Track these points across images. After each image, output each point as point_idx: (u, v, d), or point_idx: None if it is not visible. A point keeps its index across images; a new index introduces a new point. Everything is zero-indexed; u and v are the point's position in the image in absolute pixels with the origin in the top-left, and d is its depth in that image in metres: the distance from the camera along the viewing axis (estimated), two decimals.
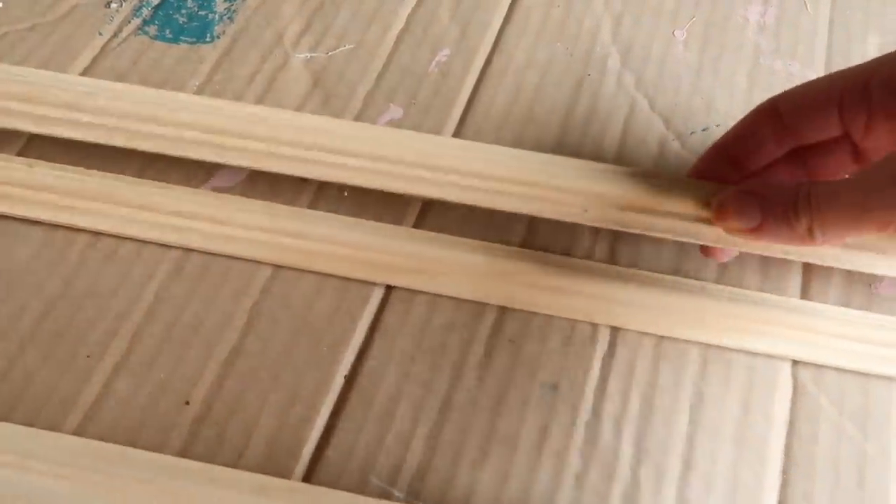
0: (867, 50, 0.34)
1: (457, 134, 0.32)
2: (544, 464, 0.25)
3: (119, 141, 0.28)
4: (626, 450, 0.25)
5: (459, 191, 0.27)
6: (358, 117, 0.32)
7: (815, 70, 0.34)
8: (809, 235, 0.23)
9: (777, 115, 0.25)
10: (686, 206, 0.26)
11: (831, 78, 0.25)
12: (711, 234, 0.26)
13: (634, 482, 0.25)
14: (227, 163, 0.28)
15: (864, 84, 0.24)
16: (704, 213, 0.26)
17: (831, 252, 0.26)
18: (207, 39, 0.34)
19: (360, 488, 0.24)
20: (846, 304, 0.28)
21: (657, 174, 0.27)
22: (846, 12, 0.35)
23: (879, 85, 0.23)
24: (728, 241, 0.26)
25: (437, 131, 0.32)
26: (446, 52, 0.34)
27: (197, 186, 0.30)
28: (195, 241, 0.28)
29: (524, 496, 0.24)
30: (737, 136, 0.27)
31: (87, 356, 0.26)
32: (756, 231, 0.24)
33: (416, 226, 0.29)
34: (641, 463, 0.25)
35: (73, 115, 0.29)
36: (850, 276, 0.28)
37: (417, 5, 0.35)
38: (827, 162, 0.26)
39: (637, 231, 0.26)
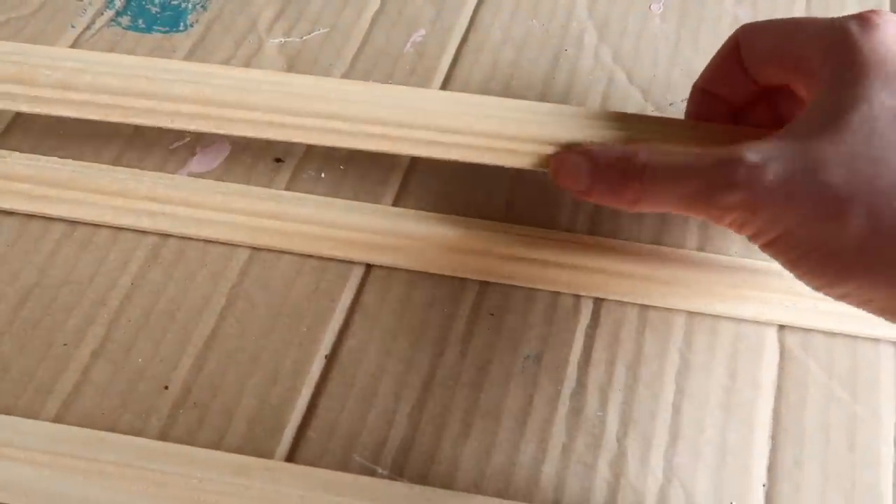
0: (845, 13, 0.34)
1: None
2: (529, 436, 0.25)
3: (95, 114, 0.28)
4: (613, 419, 0.25)
5: (442, 148, 0.27)
6: None
7: None
8: (634, 206, 0.23)
9: (739, 56, 0.25)
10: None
11: (787, 28, 0.24)
12: None
13: (621, 451, 0.24)
14: (209, 131, 0.27)
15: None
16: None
17: None
18: (181, 28, 0.34)
19: (344, 467, 0.24)
20: None
21: (631, 116, 0.27)
22: None
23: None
24: None
25: None
26: (422, 32, 0.34)
27: (173, 173, 0.30)
28: (171, 226, 0.28)
29: (509, 468, 0.24)
30: (711, 76, 0.27)
31: (64, 344, 0.26)
32: (585, 193, 0.24)
33: (394, 204, 0.29)
34: (628, 432, 0.25)
35: (50, 93, 0.28)
36: None
37: None
38: (791, 105, 0.26)
39: None
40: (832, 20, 0.22)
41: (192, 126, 0.27)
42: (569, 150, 0.25)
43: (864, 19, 0.22)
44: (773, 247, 0.21)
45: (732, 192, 0.21)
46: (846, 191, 0.19)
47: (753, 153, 0.21)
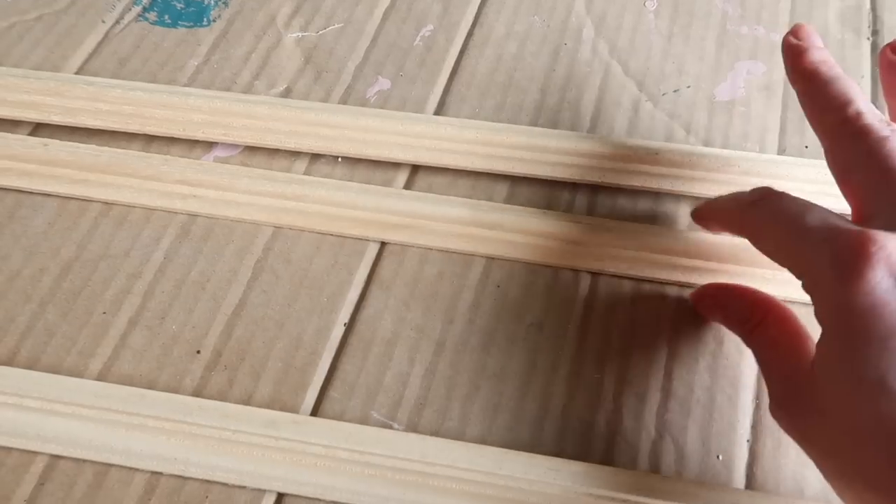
0: (828, 15, 0.36)
1: (442, 101, 0.34)
2: (532, 395, 0.27)
3: (131, 126, 0.31)
4: (609, 380, 0.27)
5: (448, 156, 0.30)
6: (348, 89, 0.34)
7: (779, 33, 0.36)
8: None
9: None
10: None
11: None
12: None
13: (617, 409, 0.27)
14: (228, 141, 0.31)
15: None
16: None
17: None
18: (204, 23, 0.36)
19: (363, 422, 0.26)
20: None
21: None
22: None
23: None
24: None
25: (424, 100, 0.33)
26: (430, 27, 0.36)
27: (198, 158, 0.32)
28: (200, 207, 0.30)
29: (514, 425, 0.26)
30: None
31: (104, 312, 0.28)
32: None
33: (405, 187, 0.31)
34: (623, 392, 0.27)
35: (83, 105, 0.32)
36: None
37: None
38: None
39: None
40: (820, 255, 0.21)
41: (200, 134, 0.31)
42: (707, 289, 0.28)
43: (844, 269, 0.20)
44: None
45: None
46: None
47: None
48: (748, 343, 0.25)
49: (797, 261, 0.22)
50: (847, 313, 0.20)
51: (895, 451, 0.18)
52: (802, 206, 0.22)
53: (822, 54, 0.25)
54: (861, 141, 0.22)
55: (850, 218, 0.23)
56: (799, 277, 0.22)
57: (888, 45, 0.26)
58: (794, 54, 0.25)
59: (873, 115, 0.23)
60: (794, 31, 0.26)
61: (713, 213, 0.28)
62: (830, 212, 0.22)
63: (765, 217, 0.23)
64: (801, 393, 0.22)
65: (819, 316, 0.21)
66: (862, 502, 0.20)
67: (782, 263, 0.23)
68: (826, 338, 0.21)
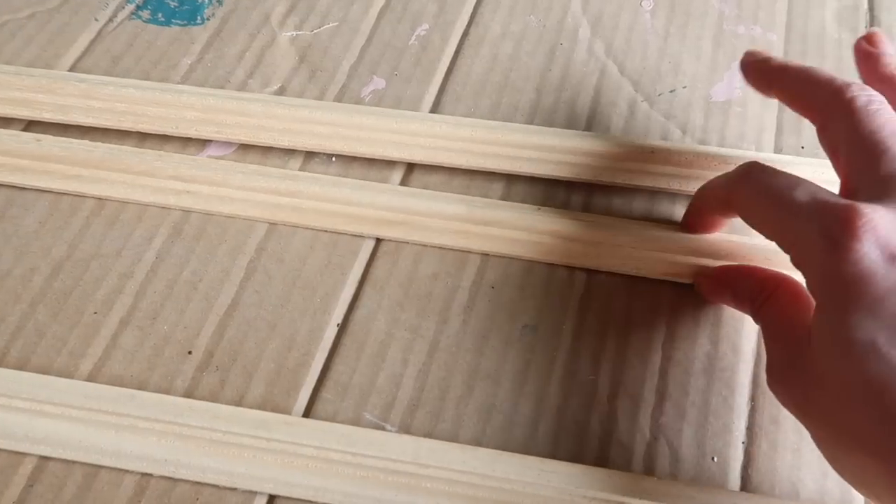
0: (825, 15, 0.36)
1: (437, 101, 0.33)
2: (526, 397, 0.27)
3: (123, 124, 0.31)
4: (604, 382, 0.27)
5: (443, 154, 0.29)
6: (343, 88, 0.34)
7: (776, 33, 0.35)
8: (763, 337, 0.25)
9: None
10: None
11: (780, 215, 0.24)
12: None
13: (611, 411, 0.26)
14: (222, 139, 0.31)
15: None
16: None
17: None
18: (198, 21, 0.36)
19: (355, 424, 0.26)
20: None
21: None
22: None
23: None
24: None
25: (419, 99, 0.33)
26: (425, 26, 0.36)
27: (193, 155, 0.32)
28: (194, 203, 0.30)
29: (508, 426, 0.26)
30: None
31: (95, 312, 0.28)
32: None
33: (401, 184, 0.31)
34: (618, 394, 0.27)
35: (75, 103, 0.32)
36: None
37: None
38: None
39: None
40: (811, 228, 0.21)
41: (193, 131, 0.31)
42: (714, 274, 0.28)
43: (833, 240, 0.21)
44: None
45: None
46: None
47: None
48: (757, 319, 0.25)
49: (786, 235, 0.23)
50: (837, 283, 0.21)
51: (884, 411, 0.19)
52: (789, 181, 0.23)
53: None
54: (849, 116, 0.23)
55: (837, 192, 0.24)
56: (787, 251, 0.23)
57: (862, 36, 0.27)
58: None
59: (860, 88, 0.24)
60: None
61: (702, 200, 0.28)
62: (817, 186, 0.23)
63: (752, 192, 0.24)
64: (799, 362, 0.22)
65: (811, 287, 0.22)
66: (858, 470, 0.21)
67: (771, 237, 0.24)
68: (819, 307, 0.22)
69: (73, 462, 0.25)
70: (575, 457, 0.25)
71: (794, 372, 0.22)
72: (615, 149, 0.31)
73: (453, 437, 0.26)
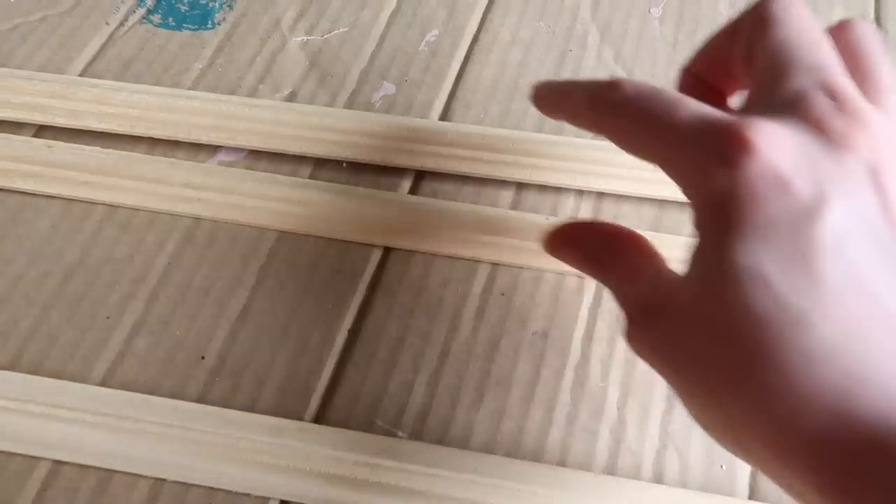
0: (832, 22, 0.36)
1: (447, 107, 0.34)
2: (537, 404, 0.27)
3: (136, 130, 0.32)
4: (613, 390, 0.27)
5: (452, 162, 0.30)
6: (354, 94, 0.34)
7: None
8: (614, 297, 0.23)
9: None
10: None
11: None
12: None
13: (621, 419, 0.27)
14: (234, 145, 0.31)
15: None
16: None
17: None
18: (209, 26, 0.36)
19: (367, 430, 0.26)
20: None
21: None
22: None
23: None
24: None
25: (429, 105, 0.33)
26: (435, 32, 0.36)
27: (203, 162, 0.32)
28: (205, 211, 0.30)
29: (518, 433, 0.26)
30: (702, 65, 0.25)
31: (107, 317, 0.28)
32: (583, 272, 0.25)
33: (410, 192, 0.31)
34: (627, 402, 0.27)
35: (88, 108, 0.32)
36: None
37: None
38: None
39: None
40: (701, 144, 0.19)
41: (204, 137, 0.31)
42: (561, 230, 0.25)
43: (724, 156, 0.18)
44: None
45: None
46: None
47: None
48: (605, 277, 0.23)
49: (671, 161, 0.20)
50: (724, 204, 0.18)
51: (762, 348, 0.17)
52: (668, 100, 0.20)
53: None
54: (764, 24, 0.21)
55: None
56: (673, 177, 0.20)
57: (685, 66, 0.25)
58: None
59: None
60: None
61: (562, 104, 0.24)
62: (699, 103, 0.20)
63: (628, 117, 0.21)
64: (662, 302, 0.20)
65: (698, 213, 0.20)
66: (727, 420, 0.19)
67: (652, 162, 0.21)
68: (702, 236, 0.19)
69: (87, 466, 0.25)
70: (585, 464, 0.26)
71: (657, 314, 0.20)
72: (625, 157, 0.31)
73: (464, 444, 0.26)
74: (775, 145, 0.18)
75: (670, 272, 0.21)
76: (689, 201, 0.20)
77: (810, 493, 0.17)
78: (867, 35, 0.21)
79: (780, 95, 0.19)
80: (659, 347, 0.20)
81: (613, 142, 0.22)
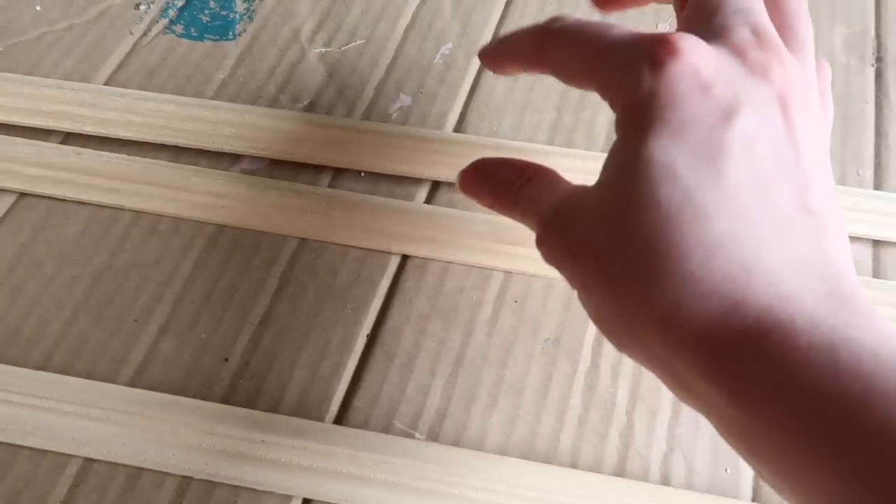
0: (834, 41, 0.38)
1: (461, 119, 0.35)
2: (549, 408, 0.28)
3: (162, 138, 0.33)
4: (622, 395, 0.28)
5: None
6: (371, 105, 0.35)
7: None
8: (524, 220, 0.25)
9: None
10: None
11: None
12: None
13: (630, 423, 0.28)
14: (257, 154, 0.32)
15: None
16: None
17: None
18: (230, 37, 0.37)
19: (386, 432, 0.27)
20: None
21: None
22: (815, 6, 0.38)
23: None
24: None
25: (444, 117, 0.35)
26: (449, 45, 0.37)
27: (225, 170, 0.33)
28: (228, 218, 0.31)
29: (531, 436, 0.27)
30: None
31: (135, 320, 0.29)
32: (491, 208, 0.26)
33: (426, 202, 0.32)
34: (636, 407, 0.28)
35: (115, 117, 0.33)
36: None
37: (422, 3, 0.39)
38: None
39: None
40: (629, 55, 0.20)
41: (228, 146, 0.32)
42: (468, 168, 0.27)
43: (653, 59, 0.20)
44: None
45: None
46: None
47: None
48: (517, 202, 0.24)
49: (603, 72, 0.21)
50: (647, 103, 0.19)
51: (663, 232, 0.18)
52: (602, 23, 0.22)
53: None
54: None
55: None
56: (604, 90, 0.21)
57: None
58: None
59: None
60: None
61: (506, 51, 0.26)
62: (631, 28, 0.22)
63: (567, 41, 0.22)
64: (574, 206, 0.21)
65: (619, 116, 0.21)
66: (618, 304, 0.20)
67: (587, 81, 0.22)
68: (621, 135, 0.21)
69: (117, 464, 0.26)
70: (594, 467, 0.27)
71: (568, 220, 0.21)
72: None
73: (479, 446, 0.27)
74: (700, 54, 0.20)
75: (582, 186, 0.22)
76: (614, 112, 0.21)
77: (696, 379, 0.18)
78: None
79: (709, 28, 0.21)
80: (567, 246, 0.21)
81: (553, 72, 0.23)
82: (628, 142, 0.20)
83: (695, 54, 0.20)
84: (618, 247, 0.19)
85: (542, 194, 0.23)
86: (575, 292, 0.21)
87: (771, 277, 0.18)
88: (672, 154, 0.19)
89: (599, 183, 0.21)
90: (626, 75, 0.20)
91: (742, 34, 0.20)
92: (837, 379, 0.16)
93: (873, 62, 0.37)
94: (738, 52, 0.20)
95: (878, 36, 0.38)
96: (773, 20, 0.21)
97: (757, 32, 0.20)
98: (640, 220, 0.19)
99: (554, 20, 0.23)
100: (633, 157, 0.19)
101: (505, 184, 0.25)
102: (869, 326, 0.17)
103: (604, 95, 0.22)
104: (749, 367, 0.17)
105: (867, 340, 0.17)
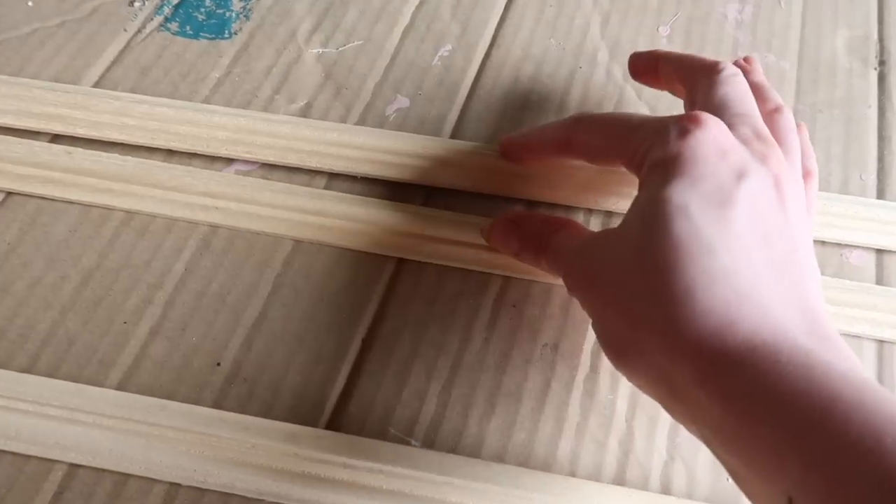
0: (836, 44, 0.37)
1: (459, 121, 0.34)
2: (547, 415, 0.27)
3: (156, 142, 0.32)
4: (622, 402, 0.28)
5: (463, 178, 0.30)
6: (368, 107, 0.34)
7: (788, 61, 0.36)
8: (550, 267, 0.27)
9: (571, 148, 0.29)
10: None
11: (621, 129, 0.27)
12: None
13: (629, 431, 0.27)
14: (252, 158, 0.32)
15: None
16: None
17: None
18: (226, 35, 0.37)
19: (381, 439, 0.26)
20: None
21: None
22: (817, 9, 0.38)
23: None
24: None
25: (442, 119, 0.34)
26: (448, 47, 0.37)
27: (219, 170, 0.32)
28: (222, 219, 0.30)
29: (529, 444, 0.27)
30: (542, 158, 0.31)
31: (124, 322, 0.28)
32: (516, 256, 0.29)
33: (423, 205, 0.32)
34: (636, 414, 0.27)
35: (109, 120, 0.33)
36: (823, 246, 0.31)
37: (421, 4, 0.38)
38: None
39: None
40: (658, 125, 0.25)
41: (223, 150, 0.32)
42: (498, 220, 0.29)
43: (681, 127, 0.24)
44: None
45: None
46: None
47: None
48: (546, 251, 0.27)
49: (631, 144, 0.25)
50: (672, 160, 0.23)
51: (675, 260, 0.22)
52: (624, 112, 0.27)
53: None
54: (712, 79, 0.28)
55: None
56: (631, 157, 0.25)
57: (742, 58, 0.31)
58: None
59: (727, 64, 0.28)
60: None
61: (535, 139, 0.30)
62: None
63: (596, 125, 0.28)
64: (597, 244, 0.25)
65: (644, 175, 0.25)
66: (627, 319, 0.23)
67: (616, 155, 0.26)
68: (643, 185, 0.24)
69: (103, 470, 0.25)
70: (593, 475, 0.26)
71: (591, 255, 0.25)
72: (632, 178, 0.31)
73: (476, 454, 0.26)
74: (721, 127, 0.24)
75: (606, 229, 0.26)
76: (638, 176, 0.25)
77: (690, 385, 0.21)
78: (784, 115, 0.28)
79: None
80: (587, 275, 0.25)
81: (583, 155, 0.28)
82: (651, 189, 0.23)
83: (717, 127, 0.24)
84: (634, 271, 0.23)
85: (570, 242, 0.26)
86: (573, 298, 0.24)
87: (761, 307, 0.21)
88: (687, 198, 0.22)
89: (622, 223, 0.24)
90: (655, 140, 0.24)
91: (745, 131, 0.25)
92: (809, 386, 0.19)
93: (876, 66, 0.37)
94: (743, 142, 0.24)
95: (881, 39, 0.37)
96: (770, 132, 0.25)
97: (756, 132, 0.25)
98: (655, 248, 0.22)
99: (581, 113, 0.28)
100: (653, 199, 0.23)
101: (534, 233, 0.28)
102: (842, 358, 0.20)
103: (630, 165, 0.26)
104: (737, 376, 0.20)
105: (838, 364, 0.19)
